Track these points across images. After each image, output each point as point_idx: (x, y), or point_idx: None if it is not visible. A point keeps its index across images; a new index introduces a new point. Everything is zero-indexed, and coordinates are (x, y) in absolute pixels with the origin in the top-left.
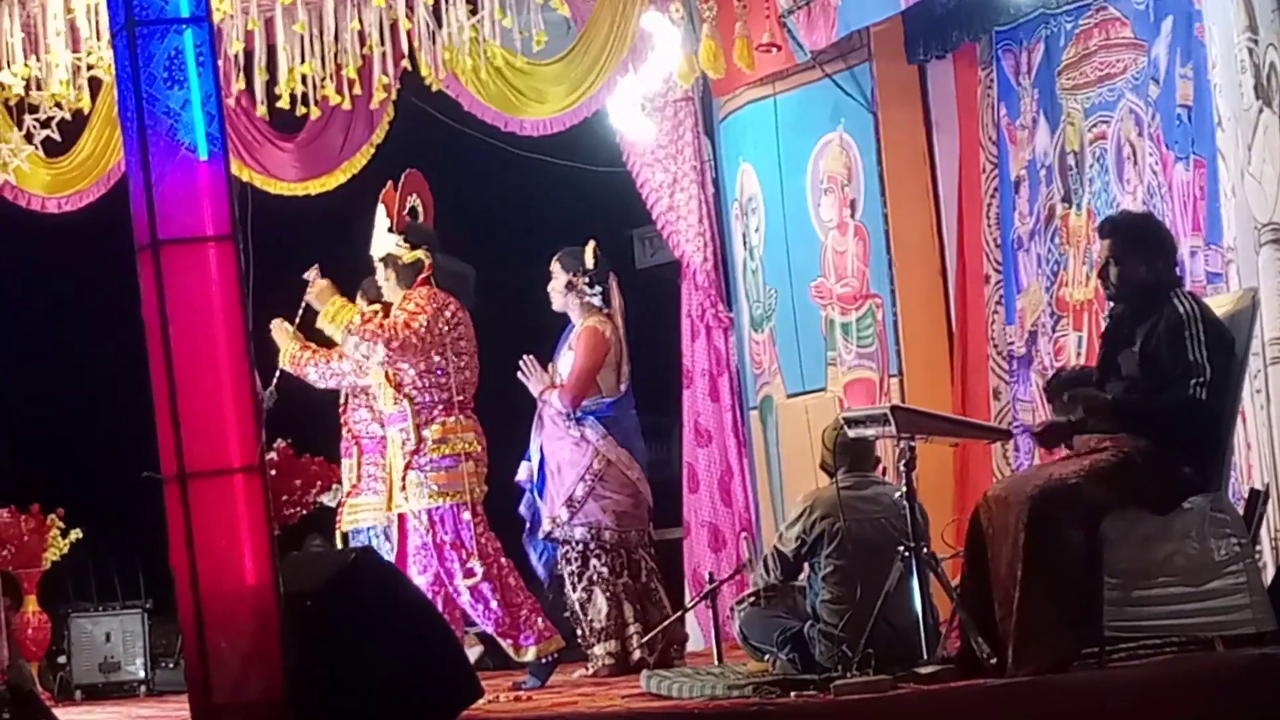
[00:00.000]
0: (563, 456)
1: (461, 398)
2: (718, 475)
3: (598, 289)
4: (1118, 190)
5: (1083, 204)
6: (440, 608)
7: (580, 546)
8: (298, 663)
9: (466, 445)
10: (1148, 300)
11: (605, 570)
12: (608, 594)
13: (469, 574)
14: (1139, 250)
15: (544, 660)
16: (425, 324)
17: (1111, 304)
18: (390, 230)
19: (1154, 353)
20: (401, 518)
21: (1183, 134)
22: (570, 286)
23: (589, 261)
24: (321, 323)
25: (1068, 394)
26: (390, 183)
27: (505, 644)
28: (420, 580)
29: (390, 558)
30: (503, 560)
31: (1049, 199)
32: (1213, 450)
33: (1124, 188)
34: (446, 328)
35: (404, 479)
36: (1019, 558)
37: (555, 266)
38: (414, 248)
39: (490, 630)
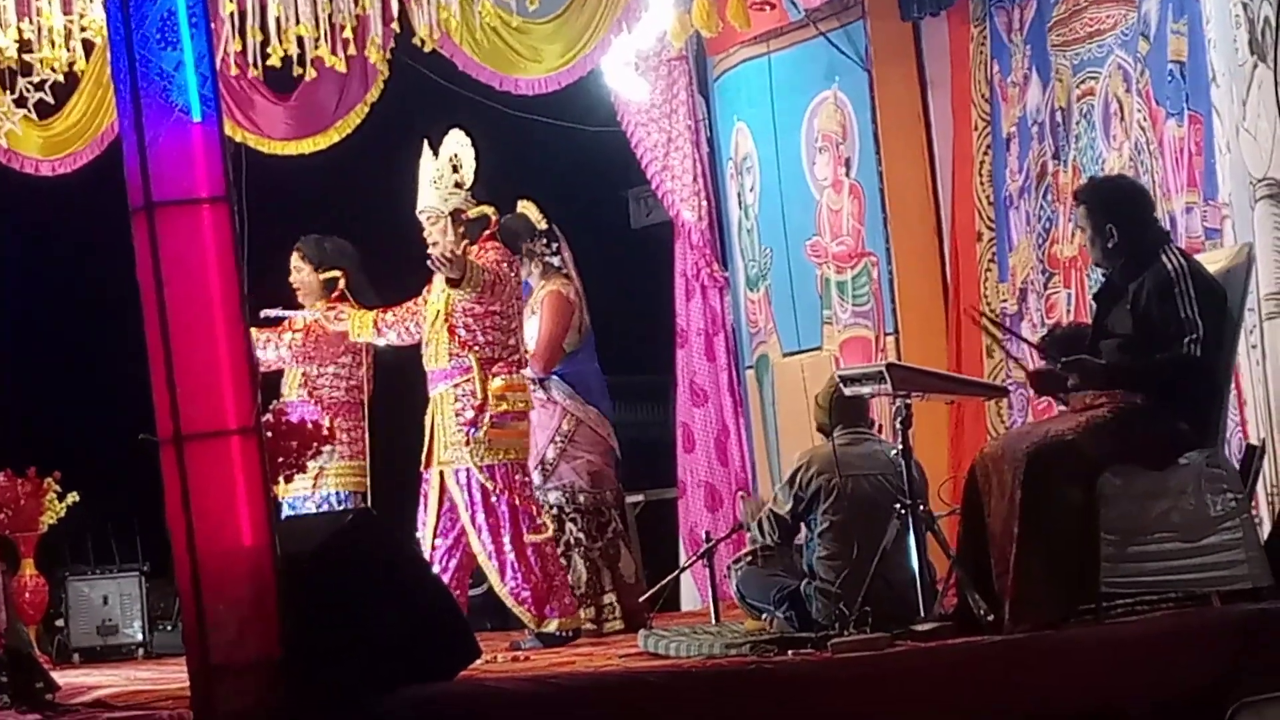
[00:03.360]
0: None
1: (518, 356)
2: (714, 435)
3: (554, 247)
4: (1104, 147)
5: (1069, 161)
6: (452, 571)
7: (555, 511)
8: (295, 624)
9: (523, 404)
10: (1137, 259)
11: (582, 535)
12: (586, 560)
13: (537, 530)
14: (1120, 214)
15: (562, 635)
16: (505, 273)
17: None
18: (458, 185)
19: (1145, 310)
20: (440, 474)
21: (1174, 90)
22: (529, 254)
23: (539, 222)
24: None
25: (1062, 361)
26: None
27: (527, 612)
28: (440, 542)
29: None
30: None
31: (1040, 156)
32: (1209, 406)
33: (1110, 144)
34: (515, 283)
35: (467, 435)
36: (1015, 514)
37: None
38: (479, 203)
39: (524, 593)
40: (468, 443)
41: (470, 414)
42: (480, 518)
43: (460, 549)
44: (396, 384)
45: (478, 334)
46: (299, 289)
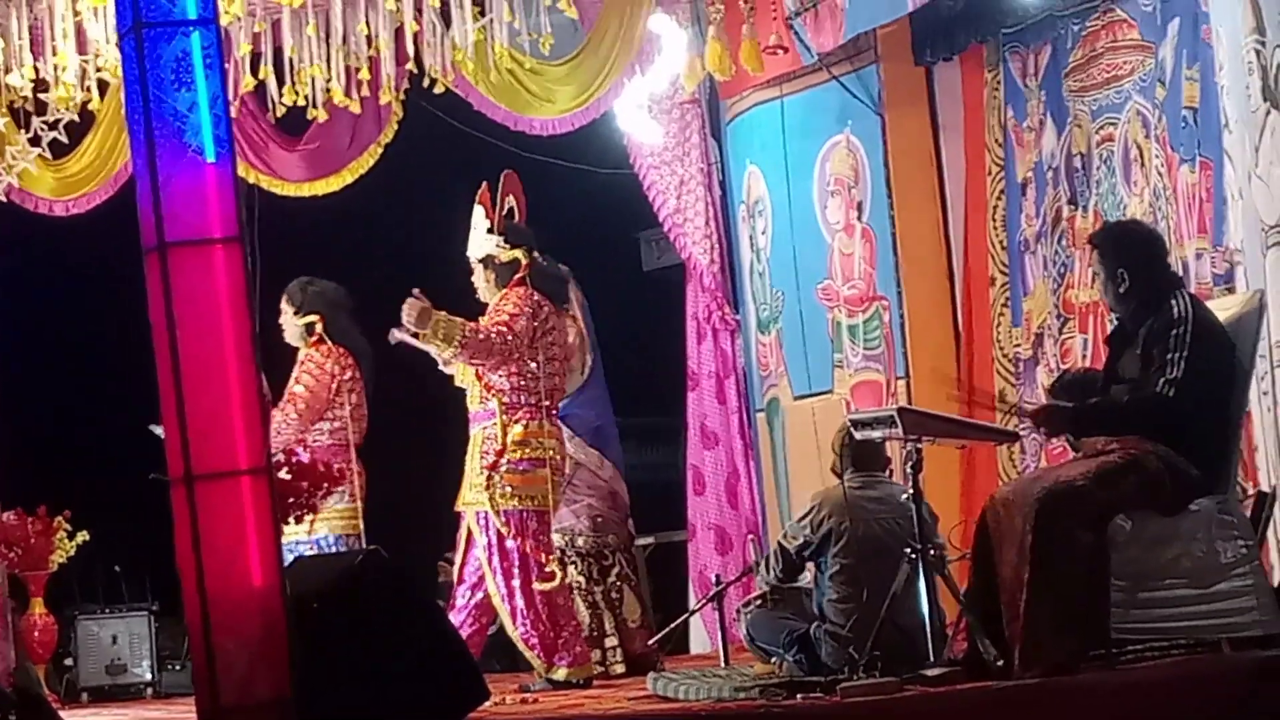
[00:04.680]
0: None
1: (548, 402)
2: (724, 478)
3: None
4: (1124, 192)
5: (1089, 206)
6: (472, 609)
7: (556, 554)
8: (304, 664)
9: (547, 451)
10: (1149, 303)
11: (582, 578)
12: (587, 602)
13: (545, 578)
14: (1132, 258)
15: (572, 683)
16: (523, 326)
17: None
18: (490, 231)
19: (1147, 354)
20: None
21: (1188, 136)
22: None
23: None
24: (427, 344)
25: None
26: (485, 184)
27: (537, 657)
28: (468, 578)
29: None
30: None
31: (1055, 201)
32: (1220, 452)
33: (1131, 190)
34: (540, 330)
35: (488, 479)
36: (1026, 559)
37: None
38: (512, 248)
39: (533, 639)
40: (487, 486)
41: (492, 458)
42: (496, 561)
43: (483, 589)
44: (401, 426)
45: (501, 380)
46: (286, 331)
